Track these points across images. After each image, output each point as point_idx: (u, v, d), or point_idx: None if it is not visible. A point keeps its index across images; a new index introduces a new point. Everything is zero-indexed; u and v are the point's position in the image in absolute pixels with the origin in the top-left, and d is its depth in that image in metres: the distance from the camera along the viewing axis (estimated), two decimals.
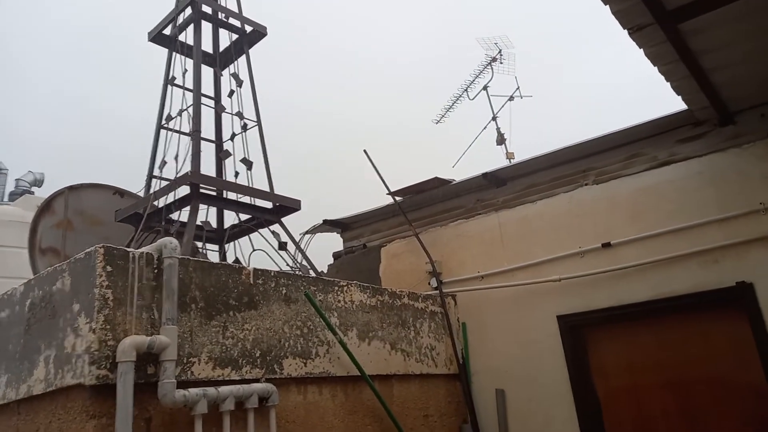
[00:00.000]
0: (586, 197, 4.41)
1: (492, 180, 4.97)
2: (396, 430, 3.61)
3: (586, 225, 4.32)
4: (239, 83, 5.51)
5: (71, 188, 5.31)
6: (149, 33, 5.54)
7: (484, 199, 5.10)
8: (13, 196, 9.15)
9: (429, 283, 4.86)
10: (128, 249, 2.61)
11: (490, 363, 4.49)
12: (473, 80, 8.54)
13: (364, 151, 5.48)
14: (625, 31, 3.12)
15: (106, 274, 2.45)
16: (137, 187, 5.49)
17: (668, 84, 3.66)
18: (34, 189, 9.30)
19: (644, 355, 4.02)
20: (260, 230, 5.05)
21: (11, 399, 2.71)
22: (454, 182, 5.26)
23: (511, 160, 6.74)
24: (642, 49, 3.31)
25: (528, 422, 4.22)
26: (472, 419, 4.31)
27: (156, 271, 2.65)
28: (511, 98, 8.13)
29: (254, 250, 4.81)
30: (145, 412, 2.43)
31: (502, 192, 4.98)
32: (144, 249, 2.69)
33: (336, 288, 3.64)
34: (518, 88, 8.14)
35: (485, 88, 8.36)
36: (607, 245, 4.15)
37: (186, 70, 5.26)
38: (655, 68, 3.50)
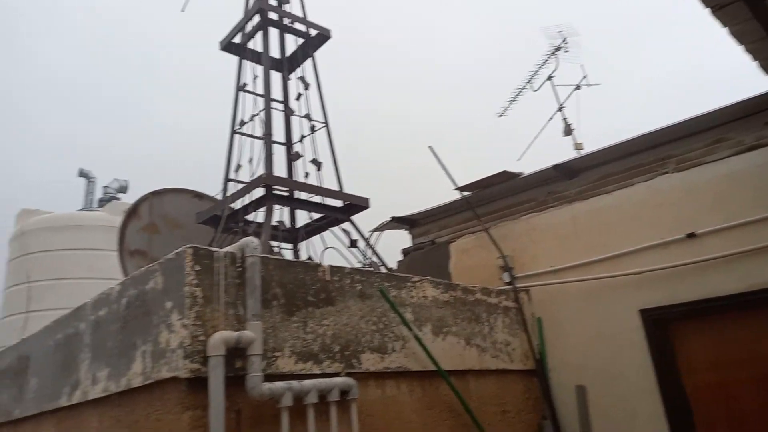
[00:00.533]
0: (666, 186, 4.21)
1: (563, 171, 4.84)
2: (473, 425, 3.59)
3: (667, 215, 4.12)
4: (306, 86, 5.64)
5: (155, 193, 5.61)
6: (220, 42, 5.77)
7: (555, 192, 4.98)
8: (102, 202, 9.81)
9: (501, 278, 4.79)
10: (213, 249, 2.73)
11: (568, 358, 4.38)
12: (537, 71, 8.30)
13: (430, 147, 5.47)
14: (705, 12, 2.97)
15: (194, 273, 2.58)
16: (214, 190, 5.74)
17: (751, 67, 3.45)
18: (119, 195, 9.94)
19: (735, 350, 3.80)
20: (331, 228, 5.16)
21: (112, 391, 2.91)
22: (523, 175, 5.16)
23: (581, 151, 6.54)
24: (726, 28, 3.13)
25: (611, 418, 4.09)
26: (551, 415, 4.22)
27: (239, 269, 2.76)
28: (578, 87, 7.85)
29: (326, 248, 4.92)
30: (234, 404, 2.54)
31: (575, 183, 4.84)
32: (227, 249, 2.82)
33: (409, 284, 3.67)
34: (585, 76, 7.84)
35: (550, 78, 8.11)
36: (691, 235, 3.95)
37: (256, 76, 5.44)
38: (740, 48, 3.30)
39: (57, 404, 3.43)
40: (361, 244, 5.14)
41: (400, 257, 6.25)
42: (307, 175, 5.41)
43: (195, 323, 2.50)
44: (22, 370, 4.10)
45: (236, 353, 2.56)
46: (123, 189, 10.03)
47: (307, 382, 2.72)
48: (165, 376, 2.51)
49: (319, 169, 5.37)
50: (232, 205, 4.84)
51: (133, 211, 5.76)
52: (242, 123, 5.30)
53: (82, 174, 10.16)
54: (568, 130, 7.69)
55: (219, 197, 5.24)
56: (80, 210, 9.60)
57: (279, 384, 2.60)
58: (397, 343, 3.38)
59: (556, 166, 4.81)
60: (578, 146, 7.39)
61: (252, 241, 2.79)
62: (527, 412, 4.18)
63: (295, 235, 5.11)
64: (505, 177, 5.19)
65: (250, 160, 4.97)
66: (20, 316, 7.76)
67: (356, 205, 5.12)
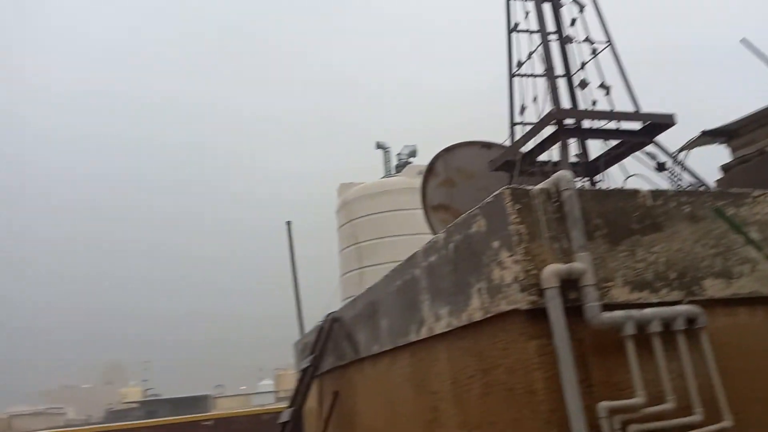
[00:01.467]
0: None
1: None
2: None
3: None
4: (581, 8, 5.27)
5: (446, 150, 6.03)
6: None
7: None
8: (398, 168, 11.05)
9: None
10: (529, 188, 2.80)
11: None
12: None
13: (743, 40, 4.58)
14: None
15: (516, 211, 2.69)
16: (499, 138, 5.87)
17: None
18: (411, 159, 11.01)
19: None
20: (631, 154, 4.78)
21: (455, 326, 3.26)
22: None
23: None
24: None
25: None
26: None
27: (556, 203, 2.77)
28: None
29: (630, 176, 4.59)
30: (574, 333, 2.59)
31: None
32: (541, 185, 2.85)
33: (749, 200, 3.17)
34: None
35: None
36: None
37: (528, 12, 5.30)
38: None
39: (408, 339, 4.00)
40: (670, 165, 4.64)
41: (717, 175, 5.45)
42: (594, 102, 5.10)
43: (525, 258, 2.61)
44: (373, 313, 4.90)
45: (568, 285, 2.60)
46: (413, 153, 11.07)
47: (648, 311, 2.61)
48: (504, 309, 2.70)
49: (607, 94, 5.01)
50: (522, 149, 4.87)
51: (430, 170, 6.29)
52: (519, 64, 5.25)
53: (379, 146, 11.58)
54: None
55: (508, 144, 5.33)
56: (383, 177, 10.97)
57: (618, 313, 2.56)
58: (744, 266, 2.98)
59: None
60: None
61: (566, 174, 2.77)
62: None
63: (593, 167, 4.89)
64: None
65: (534, 99, 4.91)
66: (355, 272, 9.34)
67: (659, 124, 4.62)
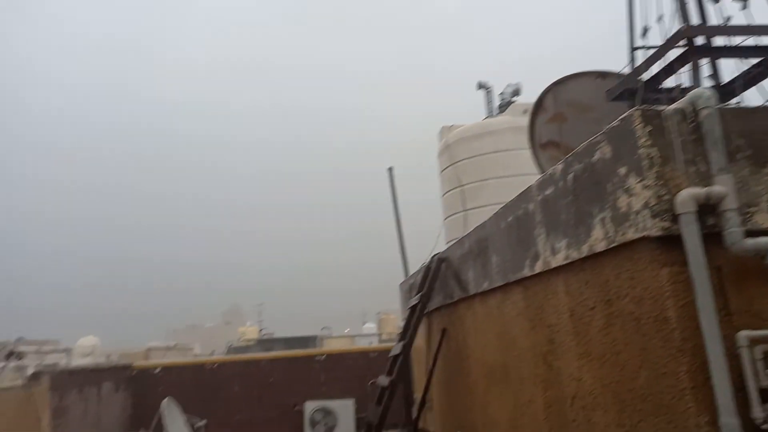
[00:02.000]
0: None
1: None
2: None
3: None
4: None
5: (556, 83, 5.73)
6: None
7: None
8: (501, 107, 10.71)
9: None
10: (661, 108, 2.61)
11: None
12: None
13: None
14: None
15: (647, 134, 2.53)
16: (616, 67, 5.47)
17: None
18: (514, 98, 10.61)
19: None
20: None
21: (574, 258, 3.19)
22: None
23: None
24: None
25: None
26: None
27: (692, 124, 2.57)
28: None
29: None
30: (711, 261, 2.44)
31: None
32: (675, 105, 2.65)
33: None
34: None
35: None
36: None
37: None
38: None
39: (521, 275, 3.98)
40: None
41: None
42: (728, 18, 4.58)
43: (656, 183, 2.47)
44: (482, 251, 4.91)
45: (706, 210, 2.44)
46: (516, 92, 10.64)
47: None
48: (632, 238, 2.59)
49: (744, 7, 4.47)
50: (643, 76, 4.52)
51: (538, 105, 6.03)
52: None
53: (481, 86, 11.25)
54: None
55: (626, 71, 4.96)
56: (485, 118, 10.70)
57: (763, 239, 2.37)
58: None
59: None
60: None
61: (704, 92, 2.55)
62: None
63: (728, 90, 4.45)
64: None
65: (659, 19, 4.49)
66: (458, 215, 9.32)
67: None
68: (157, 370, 11.72)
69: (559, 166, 3.34)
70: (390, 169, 10.79)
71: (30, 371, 8.05)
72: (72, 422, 8.68)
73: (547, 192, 3.53)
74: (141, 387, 11.38)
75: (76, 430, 8.72)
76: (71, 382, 8.93)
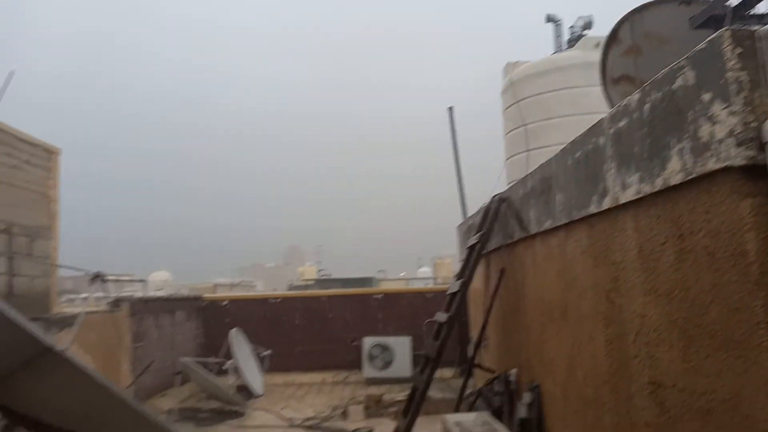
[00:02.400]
0: None
1: None
2: None
3: None
4: None
5: (634, 12, 5.35)
6: None
7: None
8: (570, 42, 10.13)
9: None
10: (754, 28, 2.41)
11: None
12: None
13: None
14: None
15: (737, 56, 2.35)
16: None
17: None
18: (585, 32, 10.01)
19: None
20: None
21: (646, 193, 3.06)
22: None
23: None
24: None
25: None
26: None
27: None
28: None
29: None
30: None
31: None
32: None
33: None
34: None
35: None
36: None
37: None
38: None
39: (586, 212, 3.88)
40: None
41: None
42: None
43: (744, 109, 2.31)
44: (546, 189, 4.80)
45: None
46: (588, 25, 10.00)
47: None
48: (711, 168, 2.45)
49: None
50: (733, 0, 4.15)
51: (612, 37, 5.68)
52: None
53: (549, 19, 10.64)
54: None
55: None
56: (553, 53, 10.19)
57: None
58: None
59: None
60: None
61: None
62: None
63: None
64: None
65: None
66: (521, 155, 9.09)
67: None
68: (225, 303, 12.40)
69: (635, 96, 3.17)
70: (450, 109, 10.56)
71: (111, 298, 8.72)
72: (149, 345, 9.40)
73: (620, 124, 3.37)
74: (210, 317, 12.11)
75: (153, 351, 9.45)
76: (148, 310, 9.62)
